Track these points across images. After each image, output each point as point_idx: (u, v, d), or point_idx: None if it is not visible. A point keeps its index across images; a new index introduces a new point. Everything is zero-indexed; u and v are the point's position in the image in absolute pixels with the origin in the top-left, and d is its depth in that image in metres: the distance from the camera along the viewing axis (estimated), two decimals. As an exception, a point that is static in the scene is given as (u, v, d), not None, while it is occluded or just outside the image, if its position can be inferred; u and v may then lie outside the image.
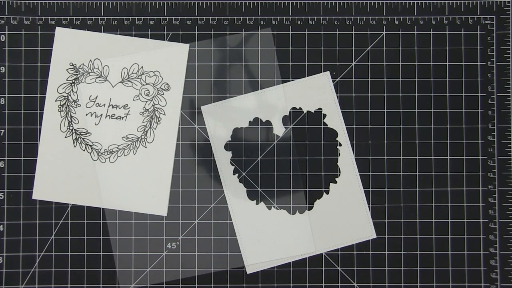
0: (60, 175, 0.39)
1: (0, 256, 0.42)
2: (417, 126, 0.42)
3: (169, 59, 0.39)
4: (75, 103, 0.42)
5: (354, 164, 0.42)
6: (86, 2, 0.42)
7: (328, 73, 0.42)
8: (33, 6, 0.43)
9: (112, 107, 0.42)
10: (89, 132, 0.41)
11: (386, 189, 0.42)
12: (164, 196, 0.41)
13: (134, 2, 0.43)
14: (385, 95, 0.42)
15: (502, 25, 0.43)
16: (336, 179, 0.42)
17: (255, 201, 0.42)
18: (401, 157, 0.42)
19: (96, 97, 0.42)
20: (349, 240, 0.41)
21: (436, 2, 0.43)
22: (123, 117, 0.42)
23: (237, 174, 0.42)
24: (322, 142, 0.42)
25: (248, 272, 0.41)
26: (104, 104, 0.42)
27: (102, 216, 0.41)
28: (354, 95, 0.42)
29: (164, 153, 0.42)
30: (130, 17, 0.43)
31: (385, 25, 0.43)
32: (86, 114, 0.42)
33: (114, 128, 0.41)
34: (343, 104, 0.42)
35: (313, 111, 0.42)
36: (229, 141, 0.42)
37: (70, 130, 0.42)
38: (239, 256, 0.41)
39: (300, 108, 0.42)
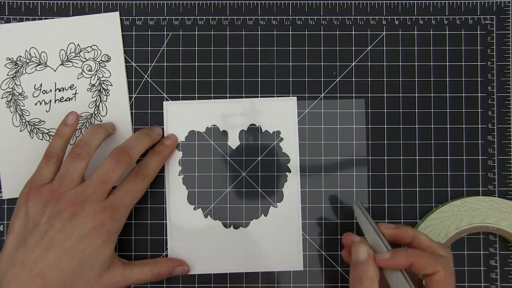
0: (26, 169, 0.39)
1: (0, 256, 0.42)
2: (417, 126, 0.42)
3: (103, 30, 0.40)
4: (22, 96, 0.42)
5: (299, 193, 0.42)
6: (86, 2, 0.42)
7: (295, 98, 0.42)
8: (33, 6, 0.43)
9: (59, 91, 0.42)
10: (42, 121, 0.42)
11: (386, 189, 0.42)
12: None
13: (134, 2, 0.43)
14: (385, 95, 0.42)
15: (502, 25, 0.43)
16: (278, 203, 0.42)
17: (193, 206, 0.42)
18: (401, 157, 0.42)
19: (41, 85, 0.42)
20: (272, 266, 0.41)
21: (436, 2, 0.43)
22: (71, 98, 0.42)
23: (182, 175, 0.42)
24: (275, 165, 0.42)
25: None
26: (50, 90, 0.42)
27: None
28: (354, 95, 0.42)
29: (120, 122, 0.42)
30: (130, 17, 0.43)
31: (385, 25, 0.43)
32: (35, 104, 0.42)
33: (66, 110, 0.41)
34: (343, 105, 0.42)
35: (270, 132, 0.42)
36: (182, 141, 0.42)
37: (23, 123, 0.42)
38: (239, 256, 0.41)
39: (259, 126, 0.42)
